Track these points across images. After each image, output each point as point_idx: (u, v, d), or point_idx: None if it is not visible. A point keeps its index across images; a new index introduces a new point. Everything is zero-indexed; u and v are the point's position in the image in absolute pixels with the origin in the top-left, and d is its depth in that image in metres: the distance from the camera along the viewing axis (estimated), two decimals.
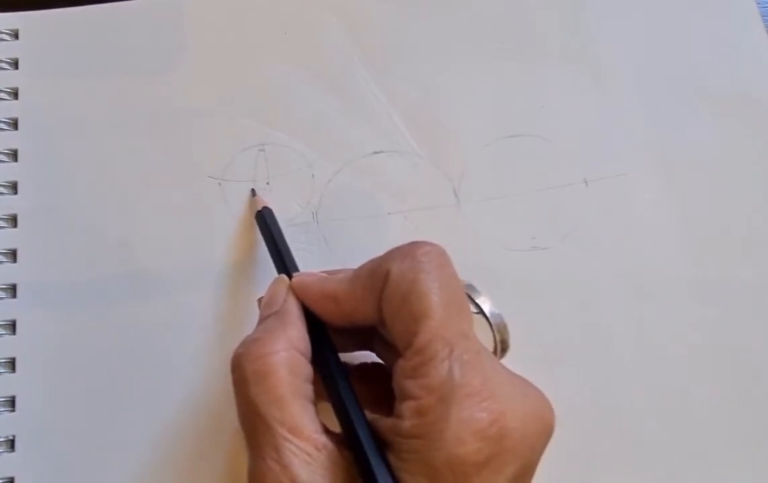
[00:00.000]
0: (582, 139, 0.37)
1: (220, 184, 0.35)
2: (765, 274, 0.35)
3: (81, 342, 0.32)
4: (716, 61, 0.38)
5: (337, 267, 0.33)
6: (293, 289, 0.27)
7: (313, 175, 0.35)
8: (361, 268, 0.26)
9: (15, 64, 0.36)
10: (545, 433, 0.23)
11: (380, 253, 0.33)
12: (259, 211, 0.33)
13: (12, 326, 0.32)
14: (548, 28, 0.39)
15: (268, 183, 0.35)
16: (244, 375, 0.24)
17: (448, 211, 0.35)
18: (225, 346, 0.32)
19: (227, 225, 0.34)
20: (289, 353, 0.24)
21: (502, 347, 0.27)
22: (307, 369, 0.25)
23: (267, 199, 0.34)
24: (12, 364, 0.32)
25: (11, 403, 0.31)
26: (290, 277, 0.28)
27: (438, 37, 0.38)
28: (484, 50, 0.38)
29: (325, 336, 0.26)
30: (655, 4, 0.39)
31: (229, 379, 0.31)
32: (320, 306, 0.26)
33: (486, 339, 0.26)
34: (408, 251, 0.25)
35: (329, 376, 0.25)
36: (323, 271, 0.28)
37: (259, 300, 0.29)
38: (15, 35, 0.37)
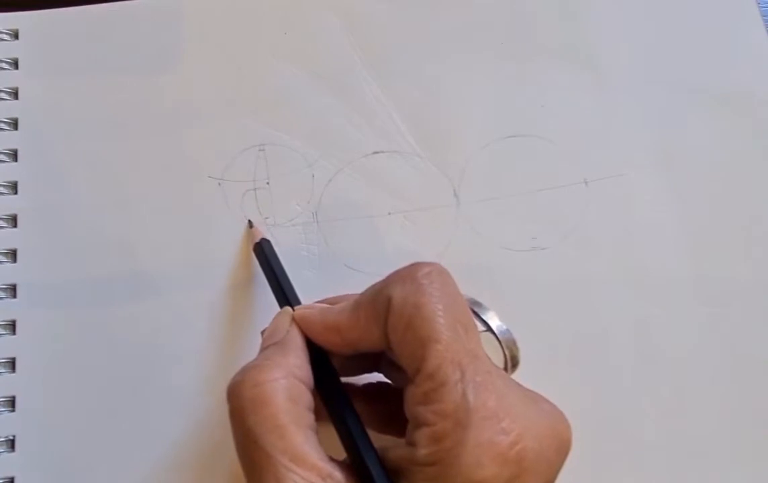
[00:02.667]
0: (582, 139, 0.37)
1: (220, 184, 0.35)
2: (765, 273, 0.35)
3: (81, 342, 0.32)
4: (716, 61, 0.38)
5: (337, 266, 0.33)
6: (296, 322, 0.26)
7: (313, 175, 0.35)
8: (362, 296, 0.25)
9: (15, 64, 0.36)
10: (563, 449, 0.23)
11: (380, 253, 0.34)
12: (257, 243, 0.32)
13: (12, 326, 0.32)
14: (548, 29, 0.38)
15: (268, 183, 0.35)
16: (241, 404, 0.23)
17: (448, 211, 0.35)
18: (225, 345, 0.32)
19: (227, 225, 0.34)
20: (288, 380, 0.24)
21: (512, 363, 0.27)
22: (307, 397, 0.24)
23: (262, 198, 0.34)
24: (12, 364, 0.32)
25: (11, 403, 0.31)
26: (289, 304, 0.28)
27: (438, 37, 0.38)
28: (484, 50, 0.38)
29: (328, 365, 0.26)
30: (655, 4, 0.39)
31: (229, 378, 0.31)
32: (324, 338, 0.26)
33: (494, 356, 0.26)
34: (408, 274, 0.24)
35: (334, 407, 0.25)
36: (325, 300, 0.28)
37: (263, 332, 0.29)
38: (15, 35, 0.37)
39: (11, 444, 0.31)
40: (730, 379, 0.33)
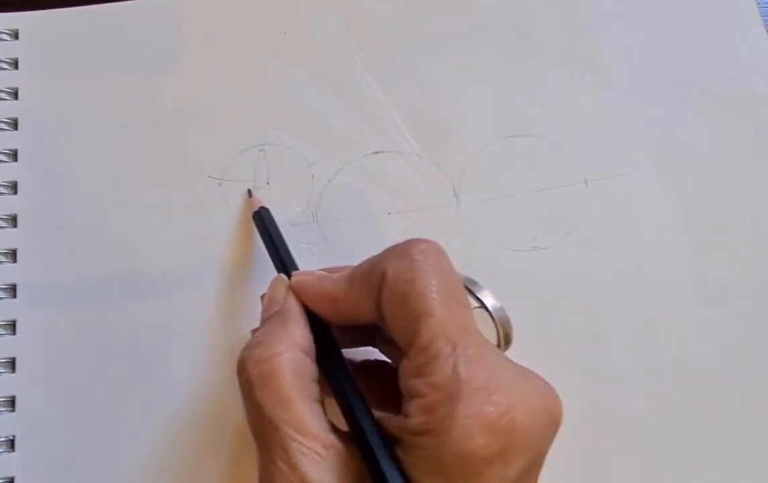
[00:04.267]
0: (582, 139, 0.37)
1: (220, 184, 0.35)
2: (765, 273, 0.35)
3: (81, 342, 0.32)
4: (716, 61, 0.38)
5: (338, 266, 0.33)
6: (292, 289, 0.27)
7: (313, 175, 0.35)
8: (357, 268, 0.26)
9: (15, 64, 0.36)
10: (553, 424, 0.23)
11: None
12: (256, 212, 0.33)
13: (12, 326, 0.32)
14: (548, 28, 0.38)
15: (268, 183, 0.35)
16: (249, 379, 0.24)
17: (448, 211, 0.35)
18: (225, 345, 0.32)
19: (227, 225, 0.34)
20: (292, 354, 0.24)
21: (505, 341, 0.27)
22: (311, 368, 0.25)
23: (262, 198, 0.34)
24: (12, 364, 0.32)
25: (11, 403, 0.31)
26: (289, 275, 0.28)
27: (438, 37, 0.38)
28: (484, 50, 0.38)
29: (328, 334, 0.26)
30: (655, 4, 0.39)
31: (229, 378, 0.31)
32: (319, 306, 0.26)
33: (488, 333, 0.26)
34: (403, 250, 0.24)
35: (334, 375, 0.25)
36: (322, 269, 0.28)
37: (262, 296, 0.29)
38: (15, 35, 0.37)
39: (11, 444, 0.31)
40: (730, 379, 0.33)
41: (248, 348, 0.25)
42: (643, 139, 0.37)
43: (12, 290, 0.33)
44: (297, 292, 0.27)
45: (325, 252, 0.34)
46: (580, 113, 0.37)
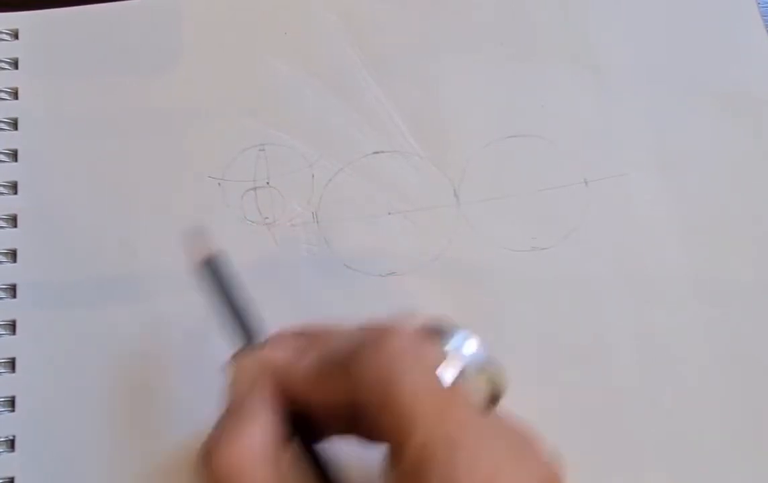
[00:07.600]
0: (582, 139, 0.37)
1: (220, 184, 0.35)
2: (765, 273, 0.35)
3: (81, 342, 0.32)
4: (716, 60, 0.38)
5: (337, 266, 0.33)
6: (259, 374, 0.24)
7: (313, 175, 0.35)
8: (324, 361, 0.23)
9: (15, 64, 0.36)
10: None
11: (380, 253, 0.33)
12: (204, 260, 0.25)
13: (12, 326, 0.32)
14: (548, 29, 0.38)
15: (268, 183, 0.35)
16: (215, 478, 0.21)
17: (448, 211, 0.35)
18: (224, 345, 0.32)
19: (227, 225, 0.34)
20: (265, 444, 0.22)
21: (493, 399, 0.24)
22: (285, 456, 0.23)
23: (264, 199, 0.34)
24: (12, 364, 0.32)
25: (11, 403, 0.31)
26: (253, 339, 0.25)
27: (438, 37, 0.38)
28: (485, 50, 0.38)
29: (304, 420, 0.24)
30: (655, 4, 0.39)
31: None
32: (290, 398, 0.23)
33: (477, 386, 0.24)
34: (376, 346, 0.22)
35: (313, 465, 0.23)
36: (297, 330, 0.26)
37: (225, 368, 0.26)
38: (15, 35, 0.37)
39: (11, 444, 0.31)
40: (730, 378, 0.33)
41: (211, 439, 0.22)
42: (643, 139, 0.37)
43: (12, 290, 0.33)
44: (273, 377, 0.24)
45: (326, 252, 0.34)
46: (580, 113, 0.37)
